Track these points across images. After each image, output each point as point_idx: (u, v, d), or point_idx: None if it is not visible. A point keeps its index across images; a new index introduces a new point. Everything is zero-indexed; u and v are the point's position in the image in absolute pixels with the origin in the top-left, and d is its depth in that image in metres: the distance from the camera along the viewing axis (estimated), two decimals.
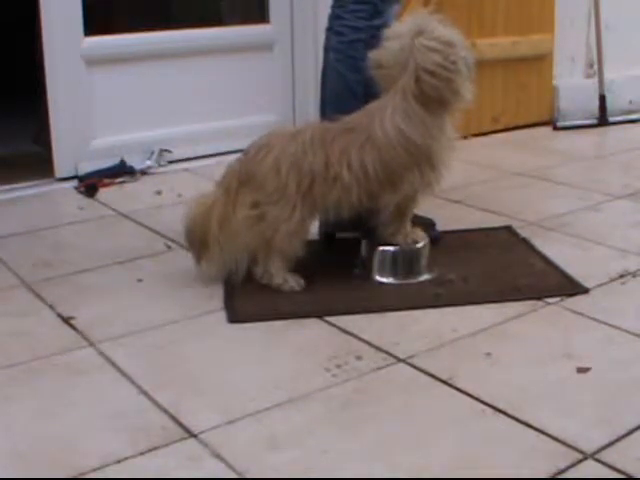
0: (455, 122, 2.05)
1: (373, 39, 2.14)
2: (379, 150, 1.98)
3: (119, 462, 1.42)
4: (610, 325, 1.88)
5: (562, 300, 2.01)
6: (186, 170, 3.21)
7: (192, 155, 3.30)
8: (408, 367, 1.72)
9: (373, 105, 2.04)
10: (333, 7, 2.30)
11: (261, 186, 2.00)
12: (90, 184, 2.96)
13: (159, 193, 2.93)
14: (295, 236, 2.02)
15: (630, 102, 4.11)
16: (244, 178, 2.02)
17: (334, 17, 2.30)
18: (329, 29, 2.31)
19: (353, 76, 2.17)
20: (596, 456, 1.41)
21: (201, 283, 2.11)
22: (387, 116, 1.98)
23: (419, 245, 2.14)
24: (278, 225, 2.00)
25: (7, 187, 2.97)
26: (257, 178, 2.00)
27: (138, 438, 1.48)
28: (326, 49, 2.32)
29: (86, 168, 3.08)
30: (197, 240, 2.07)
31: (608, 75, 3.93)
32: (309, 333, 1.88)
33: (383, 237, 2.12)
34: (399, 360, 1.74)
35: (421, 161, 2.00)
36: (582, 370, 1.69)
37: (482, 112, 3.67)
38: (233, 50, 3.42)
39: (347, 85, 2.19)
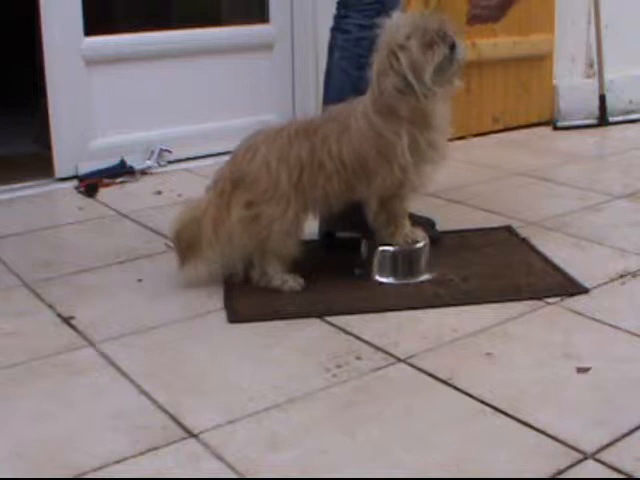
0: (440, 140, 2.04)
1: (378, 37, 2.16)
2: (353, 140, 2.00)
3: (119, 462, 1.42)
4: (610, 325, 1.88)
5: (562, 300, 2.01)
6: (186, 170, 3.22)
7: (192, 155, 3.30)
8: (408, 367, 1.72)
9: (357, 98, 2.06)
10: (339, 6, 2.30)
11: (253, 185, 2.00)
12: (90, 184, 2.96)
13: (159, 193, 2.94)
14: (289, 235, 2.02)
15: (630, 102, 4.12)
16: (236, 180, 2.02)
17: (340, 16, 2.30)
18: (335, 28, 2.32)
19: (357, 73, 2.18)
20: (596, 456, 1.41)
21: (201, 283, 2.11)
22: (361, 108, 2.01)
23: (419, 245, 2.14)
24: (272, 224, 2.00)
25: (7, 187, 2.97)
26: (249, 178, 2.01)
27: (138, 438, 1.48)
28: (331, 48, 2.32)
29: (86, 168, 3.08)
30: (184, 244, 2.07)
31: (608, 75, 3.93)
32: (309, 333, 1.88)
33: (382, 238, 2.12)
34: (399, 360, 1.74)
35: (390, 158, 2.00)
36: (582, 370, 1.69)
37: (482, 112, 3.68)
38: (233, 50, 3.42)
39: (351, 82, 2.19)
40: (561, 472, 1.37)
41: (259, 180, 2.00)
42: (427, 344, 1.81)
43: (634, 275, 2.16)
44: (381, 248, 2.13)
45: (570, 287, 2.08)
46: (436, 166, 2.06)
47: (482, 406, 1.57)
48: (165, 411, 1.57)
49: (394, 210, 2.08)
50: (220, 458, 1.42)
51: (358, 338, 1.84)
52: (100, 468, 1.40)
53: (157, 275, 2.20)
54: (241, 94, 3.44)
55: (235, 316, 1.95)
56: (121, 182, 3.06)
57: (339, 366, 1.72)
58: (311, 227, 2.18)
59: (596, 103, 3.91)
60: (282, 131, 2.04)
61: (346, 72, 2.25)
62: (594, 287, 2.08)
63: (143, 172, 3.15)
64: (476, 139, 3.58)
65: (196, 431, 1.50)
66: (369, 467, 1.40)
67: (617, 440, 1.45)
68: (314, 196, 2.03)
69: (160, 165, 3.21)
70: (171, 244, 2.38)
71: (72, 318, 1.96)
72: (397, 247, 2.12)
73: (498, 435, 1.48)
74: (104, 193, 2.94)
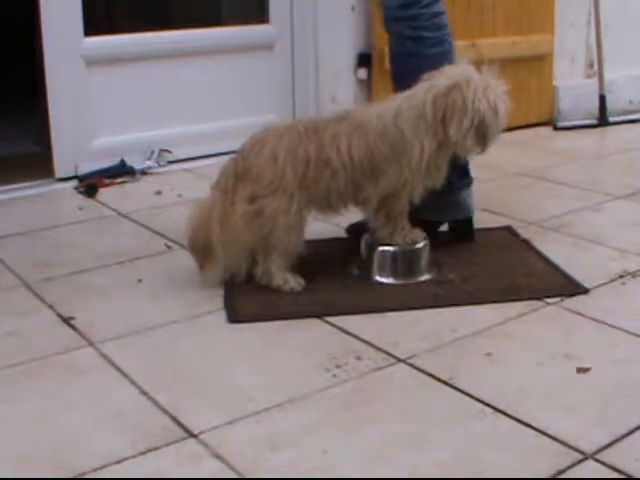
0: (444, 167, 2.08)
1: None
2: (367, 137, 2.02)
3: (119, 462, 1.42)
4: (610, 325, 1.88)
5: (562, 300, 2.01)
6: (186, 170, 3.22)
7: (192, 155, 3.30)
8: (408, 367, 1.72)
9: (373, 104, 2.09)
10: None
11: (258, 178, 2.00)
12: (90, 184, 2.96)
13: (159, 193, 2.93)
14: (293, 230, 2.02)
15: (630, 102, 4.12)
16: (240, 174, 2.03)
17: None
18: None
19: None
20: (596, 456, 1.41)
21: (201, 283, 2.11)
22: (382, 110, 2.04)
23: (419, 245, 2.14)
24: (276, 218, 2.00)
25: (7, 187, 2.97)
26: (253, 171, 2.01)
27: (138, 438, 1.48)
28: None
29: (86, 168, 3.07)
30: (200, 247, 2.07)
31: (608, 75, 3.93)
32: (309, 333, 1.88)
33: (382, 238, 2.13)
34: (399, 360, 1.74)
35: (401, 158, 2.01)
36: (582, 370, 1.69)
37: None
38: (233, 50, 3.42)
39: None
40: (561, 472, 1.37)
41: (264, 173, 2.00)
42: (427, 344, 1.81)
43: (634, 275, 2.16)
44: (381, 248, 2.14)
45: (570, 287, 2.08)
46: (432, 185, 2.09)
47: (482, 406, 1.57)
48: (165, 411, 1.57)
49: (392, 209, 2.08)
50: (220, 458, 1.42)
51: (358, 338, 1.84)
52: (100, 468, 1.40)
53: (157, 275, 2.20)
54: (241, 94, 3.44)
55: (235, 316, 1.95)
56: (121, 182, 3.06)
57: (339, 366, 1.72)
58: (312, 227, 2.18)
59: (596, 103, 3.91)
60: (291, 127, 2.05)
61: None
62: (594, 287, 2.08)
63: (143, 172, 3.14)
64: None
65: (196, 431, 1.50)
66: (369, 467, 1.40)
67: (617, 440, 1.45)
68: (318, 193, 2.03)
69: (160, 165, 3.21)
70: (171, 244, 2.39)
71: (72, 318, 1.96)
72: (397, 247, 2.13)
73: (498, 435, 1.48)
74: (104, 193, 2.94)
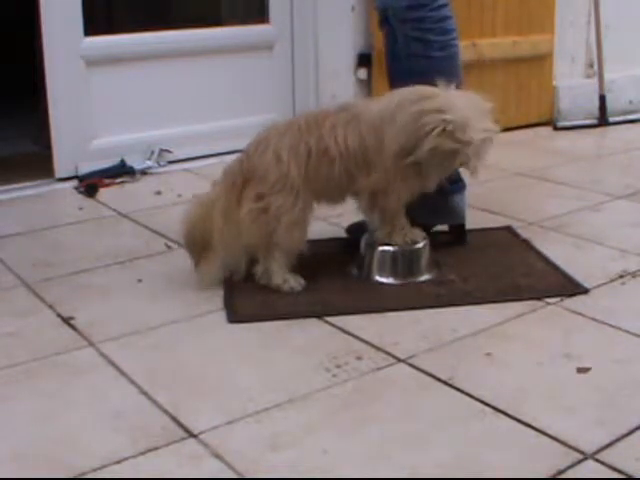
0: (433, 174, 2.06)
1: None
2: (361, 127, 2.02)
3: (119, 462, 1.42)
4: (610, 325, 1.88)
5: (562, 300, 2.01)
6: (186, 170, 3.22)
7: (192, 155, 3.30)
8: (408, 367, 1.72)
9: (374, 99, 2.10)
10: None
11: (264, 178, 2.01)
12: (90, 184, 2.96)
13: (159, 193, 2.94)
14: (296, 226, 2.02)
15: (630, 102, 4.12)
16: (247, 174, 2.03)
17: None
18: None
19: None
20: (596, 456, 1.41)
21: (198, 281, 2.11)
22: (380, 101, 2.05)
23: (419, 245, 2.14)
24: (280, 215, 2.00)
25: (7, 187, 2.97)
26: (259, 171, 2.02)
27: (138, 438, 1.48)
28: None
29: (86, 168, 3.08)
30: (197, 243, 2.07)
31: (608, 75, 3.93)
32: (309, 333, 1.88)
33: (381, 238, 2.13)
34: (399, 360, 1.74)
35: (387, 153, 2.01)
36: (582, 370, 1.69)
37: None
38: (233, 50, 3.42)
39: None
40: (561, 472, 1.37)
41: (269, 172, 2.00)
42: (427, 344, 1.81)
43: (634, 275, 2.16)
44: (381, 248, 2.13)
45: (570, 287, 2.08)
46: (420, 188, 2.08)
47: (482, 406, 1.57)
48: (165, 411, 1.57)
49: (384, 207, 2.07)
50: (220, 458, 1.42)
51: (358, 338, 1.84)
52: (100, 468, 1.40)
53: (157, 275, 2.20)
54: (241, 94, 3.44)
55: (235, 316, 1.95)
56: (121, 182, 3.06)
57: (339, 366, 1.72)
58: (312, 227, 2.18)
59: (596, 103, 3.92)
60: (292, 124, 2.06)
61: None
62: (594, 287, 2.08)
63: (143, 172, 3.15)
64: None
65: (196, 431, 1.50)
66: (369, 467, 1.40)
67: (617, 440, 1.45)
68: (318, 182, 2.03)
69: (160, 165, 3.21)
70: (171, 244, 2.39)
71: (72, 318, 1.96)
72: (397, 247, 2.13)
73: (498, 435, 1.48)
74: (104, 193, 2.94)
